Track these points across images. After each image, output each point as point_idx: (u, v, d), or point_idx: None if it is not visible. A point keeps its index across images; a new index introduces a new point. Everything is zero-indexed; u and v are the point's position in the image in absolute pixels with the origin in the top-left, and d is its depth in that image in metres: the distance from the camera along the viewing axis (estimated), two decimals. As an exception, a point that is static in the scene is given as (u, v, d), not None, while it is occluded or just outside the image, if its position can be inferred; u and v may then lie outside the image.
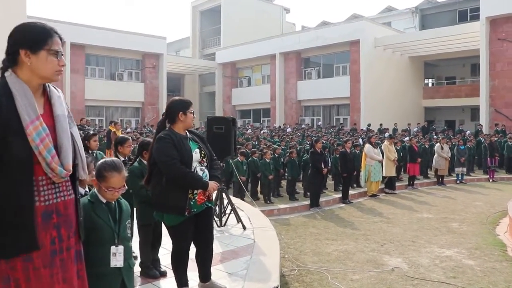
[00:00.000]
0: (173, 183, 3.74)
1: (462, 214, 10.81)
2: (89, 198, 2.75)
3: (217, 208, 7.13)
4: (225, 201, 7.47)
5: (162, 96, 32.88)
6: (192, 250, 4.12)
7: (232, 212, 7.22)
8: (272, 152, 12.35)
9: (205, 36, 41.57)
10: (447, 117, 32.62)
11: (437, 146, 16.00)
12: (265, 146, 14.19)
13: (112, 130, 14.18)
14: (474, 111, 32.00)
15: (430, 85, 33.83)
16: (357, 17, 33.40)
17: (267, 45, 32.92)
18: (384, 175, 13.62)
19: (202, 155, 3.98)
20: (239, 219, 7.13)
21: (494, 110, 23.55)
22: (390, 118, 26.95)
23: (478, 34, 24.28)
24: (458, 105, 30.05)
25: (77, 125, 12.74)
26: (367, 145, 13.14)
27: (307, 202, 11.73)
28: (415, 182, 15.34)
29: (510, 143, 18.43)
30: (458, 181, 16.47)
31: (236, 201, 9.73)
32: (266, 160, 11.67)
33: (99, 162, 2.81)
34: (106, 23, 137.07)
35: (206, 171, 3.95)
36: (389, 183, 13.97)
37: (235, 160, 11.24)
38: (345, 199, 12.41)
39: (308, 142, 17.20)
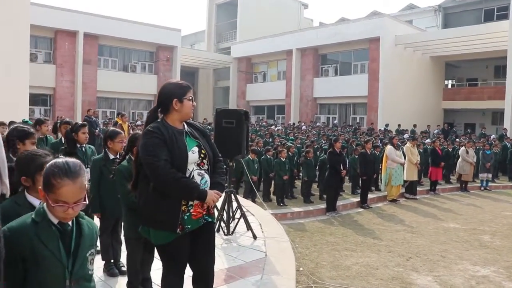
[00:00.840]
0: (161, 191, 2.89)
1: (493, 226, 9.85)
2: (33, 216, 1.88)
3: (224, 213, 6.28)
4: (234, 205, 6.60)
5: (175, 89, 32.01)
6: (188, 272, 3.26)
7: (241, 218, 6.35)
8: (286, 150, 11.49)
9: (221, 30, 40.66)
10: (466, 120, 31.42)
11: (462, 150, 14.98)
12: (279, 143, 13.30)
13: (119, 123, 13.33)
14: (496, 115, 30.79)
15: (450, 86, 32.58)
16: (377, 14, 32.18)
17: (284, 40, 31.94)
18: (405, 179, 12.67)
19: (202, 155, 3.11)
20: (249, 227, 6.28)
21: (520, 114, 22.38)
22: (408, 119, 25.90)
23: (505, 34, 23.11)
24: (480, 108, 28.81)
25: (85, 117, 11.83)
26: (389, 147, 12.18)
27: (323, 205, 10.84)
28: (437, 188, 14.34)
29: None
30: (482, 188, 15.46)
31: (246, 203, 8.90)
32: (282, 159, 10.78)
33: (47, 165, 1.90)
34: (121, 14, 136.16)
35: (206, 176, 3.09)
36: (410, 188, 13.02)
37: (246, 158, 10.40)
38: (363, 203, 11.50)
39: (324, 141, 16.27)
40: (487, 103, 27.82)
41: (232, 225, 6.49)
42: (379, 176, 13.05)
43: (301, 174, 12.80)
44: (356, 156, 12.74)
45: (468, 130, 24.00)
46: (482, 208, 12.03)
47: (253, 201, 9.19)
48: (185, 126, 3.15)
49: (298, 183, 13.33)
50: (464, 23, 28.78)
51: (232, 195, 6.24)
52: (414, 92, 27.50)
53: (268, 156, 11.12)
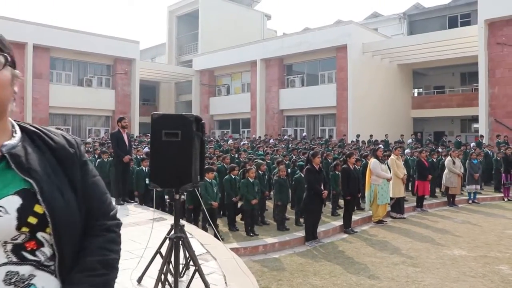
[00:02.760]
0: None
1: (503, 250, 8.10)
2: None
3: (171, 267, 4.21)
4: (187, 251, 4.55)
5: (134, 104, 29.80)
6: None
7: (196, 272, 4.29)
8: (256, 168, 9.49)
9: (182, 42, 38.66)
10: (436, 129, 30.40)
11: (447, 160, 13.31)
12: (247, 160, 11.28)
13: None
14: (464, 122, 29.90)
15: (417, 94, 31.40)
16: (342, 22, 30.76)
17: (247, 51, 30.17)
18: (392, 196, 10.86)
19: (34, 219, 1.20)
20: (206, 285, 4.22)
21: (494, 120, 21.10)
22: (379, 129, 24.45)
23: (470, 39, 22.07)
24: (450, 115, 27.74)
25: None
26: (373, 160, 10.29)
27: (301, 233, 8.87)
28: (423, 203, 12.61)
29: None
30: (470, 201, 13.85)
31: (205, 239, 6.87)
32: (250, 179, 8.76)
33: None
34: (76, 25, 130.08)
35: (42, 281, 1.21)
36: (397, 206, 11.21)
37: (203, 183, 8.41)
38: (347, 227, 9.60)
39: (294, 156, 14.36)
40: (456, 110, 26.80)
41: (183, 283, 4.43)
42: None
43: (272, 193, 10.86)
44: (337, 173, 10.88)
45: (444, 138, 22.52)
46: (480, 227, 10.32)
47: (216, 235, 7.17)
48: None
49: (269, 203, 11.36)
50: (429, 31, 27.62)
51: (181, 242, 4.16)
52: (384, 101, 26.14)
53: (233, 176, 9.11)
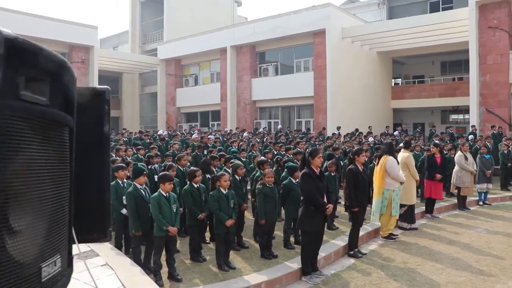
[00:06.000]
0: None
1: None
2: None
3: None
4: None
5: (93, 96, 26.46)
6: None
7: None
8: (231, 173, 6.77)
9: (146, 29, 35.33)
10: (415, 120, 28.30)
11: (458, 156, 10.86)
12: (217, 158, 8.51)
13: None
14: (445, 113, 27.96)
15: (395, 84, 29.15)
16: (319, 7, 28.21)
17: (217, 37, 27.20)
18: (403, 202, 8.31)
19: None
20: None
21: (485, 110, 18.94)
22: (359, 121, 22.10)
23: (457, 24, 19.85)
24: (430, 106, 25.67)
25: None
26: (390, 158, 7.64)
27: (295, 262, 6.22)
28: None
29: (531, 150, 13.77)
30: (481, 202, 11.49)
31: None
32: (222, 190, 6.02)
33: None
34: (25, 8, 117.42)
35: None
36: (408, 214, 8.68)
37: (131, 190, 5.72)
38: (353, 249, 7.00)
39: (276, 151, 11.66)
40: (438, 100, 24.70)
41: None
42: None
43: (250, 200, 8.19)
44: (332, 174, 8.26)
45: (433, 130, 20.21)
46: (515, 241, 7.93)
47: (172, 276, 4.40)
48: None
49: (248, 214, 8.66)
50: (410, 16, 25.44)
51: None
52: (364, 91, 23.78)
53: (195, 185, 6.36)
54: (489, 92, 18.91)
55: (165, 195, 5.52)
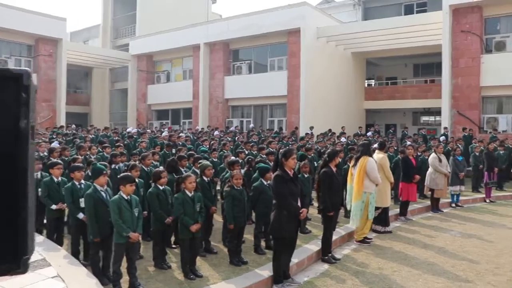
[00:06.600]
0: None
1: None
2: None
3: None
4: None
5: (60, 91, 25.61)
6: None
7: None
8: (199, 173, 6.36)
9: (118, 24, 34.38)
10: (387, 121, 28.42)
11: (432, 157, 10.71)
12: (186, 158, 8.07)
13: None
14: (416, 115, 28.15)
15: (368, 85, 29.12)
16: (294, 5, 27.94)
17: (190, 34, 26.63)
18: (377, 205, 8.03)
19: None
20: None
21: (457, 112, 19.01)
22: (333, 121, 21.93)
23: (430, 27, 19.85)
24: (402, 107, 25.78)
25: None
26: (370, 159, 7.32)
27: (266, 269, 5.86)
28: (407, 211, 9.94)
29: (501, 152, 13.79)
30: (453, 204, 11.40)
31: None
32: (188, 193, 5.60)
33: None
34: None
35: None
36: (383, 217, 8.44)
37: (90, 191, 5.25)
38: (326, 254, 6.69)
39: (247, 151, 11.26)
40: (410, 102, 24.80)
41: None
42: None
43: (220, 200, 7.78)
44: (306, 176, 7.93)
45: (405, 131, 20.18)
46: (490, 243, 7.78)
47: (133, 286, 3.99)
48: None
49: (217, 217, 8.27)
50: (384, 18, 25.44)
51: None
52: (338, 91, 23.64)
53: (160, 187, 5.93)
54: (460, 95, 19.00)
55: (126, 198, 5.06)
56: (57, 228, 6.48)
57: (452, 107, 19.17)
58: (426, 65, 26.88)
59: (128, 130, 20.66)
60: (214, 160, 9.64)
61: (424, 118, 28.45)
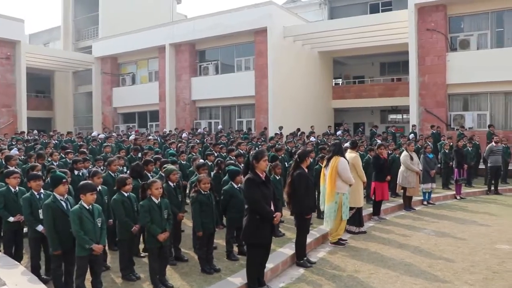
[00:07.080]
0: None
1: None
2: None
3: None
4: None
5: (20, 95, 24.65)
6: None
7: None
8: (165, 179, 6.04)
9: (80, 25, 33.44)
10: (355, 119, 28.62)
11: (404, 155, 10.66)
12: (152, 162, 7.72)
13: None
14: (384, 113, 28.41)
15: (335, 84, 29.22)
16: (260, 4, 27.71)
17: (155, 34, 26.11)
18: (351, 205, 7.87)
19: None
20: None
21: (424, 110, 19.21)
22: (301, 120, 21.98)
23: (396, 26, 20.05)
24: (370, 106, 25.94)
25: None
26: (342, 159, 7.16)
27: (237, 276, 5.60)
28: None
29: (470, 149, 13.94)
30: (425, 202, 11.41)
31: None
32: (154, 199, 5.28)
33: None
34: None
35: None
36: (356, 217, 8.30)
37: (49, 201, 4.88)
38: (301, 258, 6.48)
39: (216, 153, 10.96)
40: (378, 101, 25.00)
41: None
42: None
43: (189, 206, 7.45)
44: (278, 178, 7.71)
45: (360, 128, 20.22)
46: (463, 241, 7.74)
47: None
48: None
49: (187, 221, 7.96)
50: (350, 17, 25.56)
51: None
52: (305, 90, 23.63)
53: (125, 194, 5.61)
54: (427, 93, 19.20)
55: (87, 207, 4.70)
56: (15, 242, 6.04)
57: (419, 105, 19.36)
58: (392, 64, 27.13)
59: (93, 134, 20.02)
60: (183, 163, 9.31)
61: (392, 116, 28.74)
